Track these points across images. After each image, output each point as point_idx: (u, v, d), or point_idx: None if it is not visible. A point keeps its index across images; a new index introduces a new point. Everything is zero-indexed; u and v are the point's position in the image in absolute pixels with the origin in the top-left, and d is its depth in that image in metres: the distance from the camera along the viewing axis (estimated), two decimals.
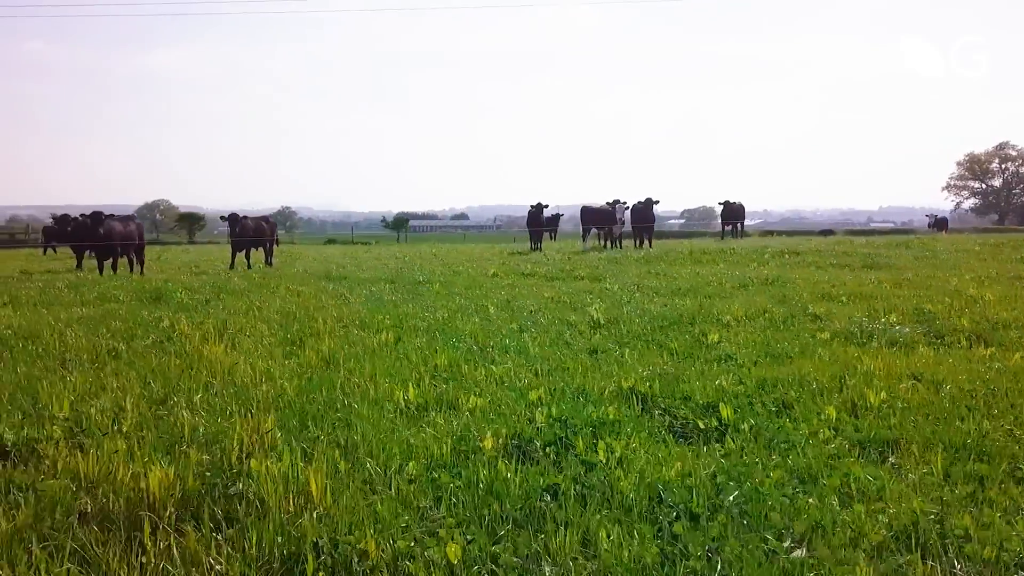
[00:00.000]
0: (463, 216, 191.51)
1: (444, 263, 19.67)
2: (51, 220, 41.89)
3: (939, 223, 40.27)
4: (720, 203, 29.00)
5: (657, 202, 23.61)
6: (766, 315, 8.87)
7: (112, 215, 16.58)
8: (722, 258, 17.54)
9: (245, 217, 19.60)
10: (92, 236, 16.47)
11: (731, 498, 3.24)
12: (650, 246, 22.95)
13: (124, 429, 4.54)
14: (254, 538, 2.96)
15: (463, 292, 12.05)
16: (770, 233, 41.76)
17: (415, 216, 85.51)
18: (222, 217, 19.75)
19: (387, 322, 8.52)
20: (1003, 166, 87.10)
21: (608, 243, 24.54)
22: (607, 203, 23.79)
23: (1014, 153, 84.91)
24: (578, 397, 5.27)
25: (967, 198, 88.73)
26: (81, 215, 17.02)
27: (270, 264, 20.03)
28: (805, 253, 17.94)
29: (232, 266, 18.92)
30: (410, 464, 3.91)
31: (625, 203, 23.48)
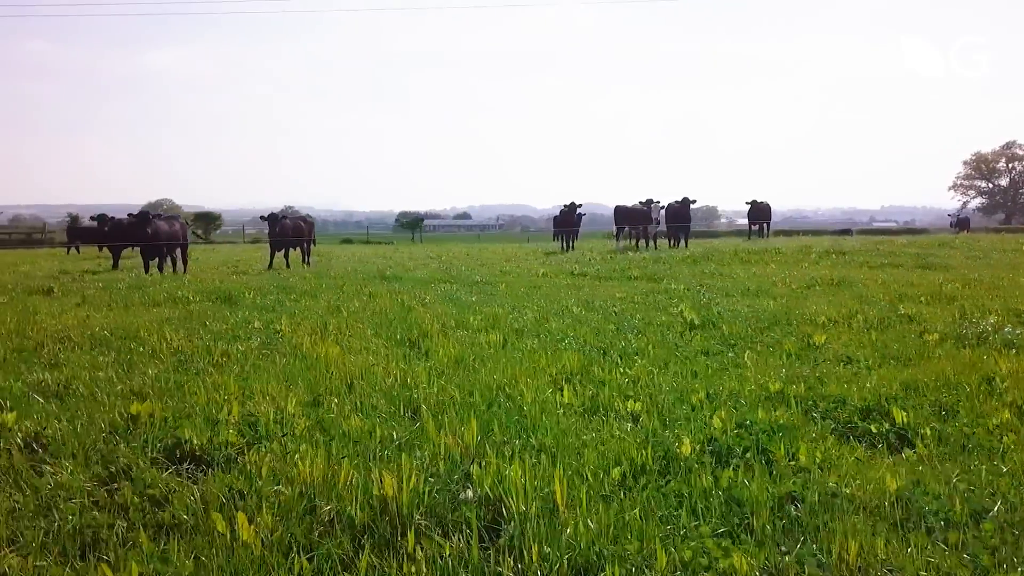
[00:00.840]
0: (465, 215, 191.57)
1: (483, 263, 19.60)
2: (68, 219, 41.85)
3: (961, 223, 40.40)
4: (747, 203, 28.93)
5: (694, 202, 23.53)
6: (858, 316, 8.81)
7: (159, 215, 16.49)
8: (769, 258, 17.49)
9: (285, 217, 19.54)
10: (138, 236, 16.38)
11: (998, 506, 3.18)
12: (686, 246, 22.90)
13: (297, 432, 4.48)
14: (535, 549, 2.89)
15: (529, 292, 11.98)
16: (800, 233, 41.61)
17: (418, 215, 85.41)
18: (262, 217, 19.67)
19: (481, 323, 8.46)
20: (1010, 165, 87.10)
21: (642, 242, 24.46)
22: (640, 202, 23.74)
23: (1021, 152, 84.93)
24: (737, 401, 5.21)
25: (974, 197, 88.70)
26: (129, 215, 16.93)
27: (307, 264, 19.96)
28: (851, 253, 17.89)
29: (270, 266, 18.82)
30: (614, 470, 3.85)
31: (659, 202, 23.43)
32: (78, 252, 29.96)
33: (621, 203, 24.69)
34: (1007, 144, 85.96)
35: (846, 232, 42.46)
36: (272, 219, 19.12)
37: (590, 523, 3.04)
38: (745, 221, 31.73)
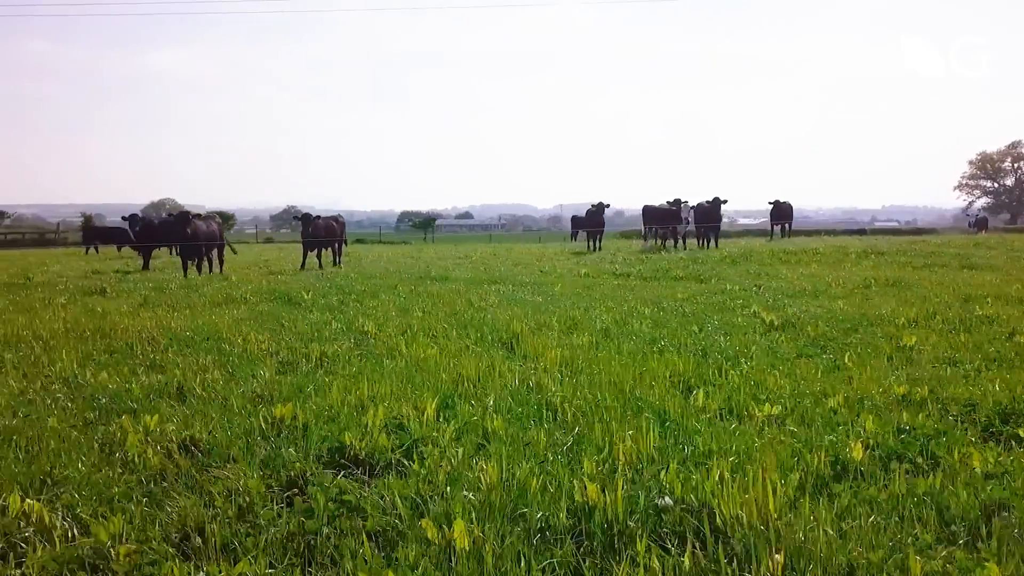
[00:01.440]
0: (467, 215, 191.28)
1: (516, 263, 19.53)
2: (81, 218, 41.76)
3: (979, 222, 40.61)
4: (770, 203, 28.91)
5: (725, 201, 23.55)
6: (937, 317, 8.76)
7: (198, 215, 16.42)
8: (809, 259, 17.45)
9: (318, 217, 19.46)
10: (175, 236, 16.30)
11: None
12: (716, 246, 22.87)
13: (448, 435, 4.42)
14: (779, 558, 2.83)
15: (584, 293, 11.93)
16: (823, 233, 41.54)
17: (419, 215, 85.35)
18: (295, 217, 19.61)
19: (562, 325, 8.39)
20: (1015, 165, 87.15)
21: (669, 242, 24.39)
22: (668, 202, 23.71)
23: None
24: (873, 404, 5.15)
25: (979, 197, 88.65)
26: (168, 214, 16.86)
27: (339, 264, 19.89)
28: (889, 253, 17.86)
29: (303, 266, 18.76)
30: (791, 476, 3.80)
31: (687, 202, 23.39)
32: (96, 252, 29.88)
33: (649, 203, 24.68)
34: (1013, 144, 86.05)
35: (860, 232, 42.48)
36: (306, 219, 19.05)
37: (827, 529, 2.98)
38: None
